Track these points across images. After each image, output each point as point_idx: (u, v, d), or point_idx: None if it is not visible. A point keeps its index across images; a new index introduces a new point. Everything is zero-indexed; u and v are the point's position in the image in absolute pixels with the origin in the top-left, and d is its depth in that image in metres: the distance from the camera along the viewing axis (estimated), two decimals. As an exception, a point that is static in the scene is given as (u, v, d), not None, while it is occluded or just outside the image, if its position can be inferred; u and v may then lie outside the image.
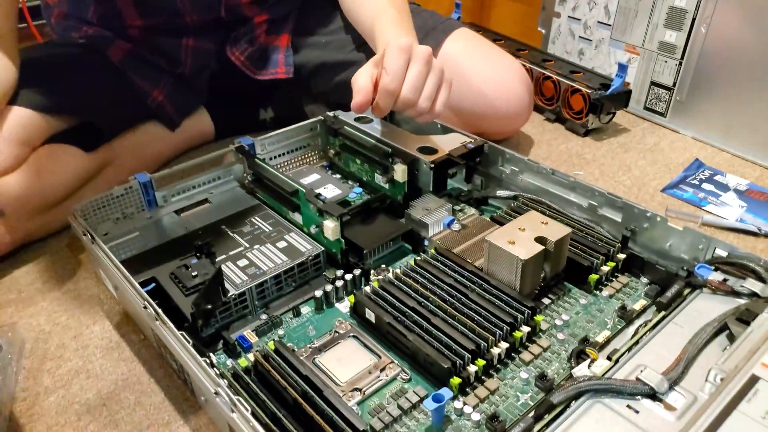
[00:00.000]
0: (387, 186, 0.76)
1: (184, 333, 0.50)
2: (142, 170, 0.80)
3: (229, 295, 0.58)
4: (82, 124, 0.77)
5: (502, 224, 0.65)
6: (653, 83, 1.03)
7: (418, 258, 0.64)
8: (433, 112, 0.66)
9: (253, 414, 0.43)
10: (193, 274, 0.59)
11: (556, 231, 0.58)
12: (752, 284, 0.53)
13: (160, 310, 0.52)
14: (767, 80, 0.87)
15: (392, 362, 0.55)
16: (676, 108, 1.00)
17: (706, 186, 0.84)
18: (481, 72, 0.88)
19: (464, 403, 0.50)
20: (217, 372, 0.47)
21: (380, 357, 0.55)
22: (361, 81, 0.65)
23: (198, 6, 0.86)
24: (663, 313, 0.53)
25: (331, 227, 0.63)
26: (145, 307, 0.54)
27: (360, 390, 0.52)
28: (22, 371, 0.58)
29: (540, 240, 0.57)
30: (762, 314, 0.49)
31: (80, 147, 0.76)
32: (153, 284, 0.60)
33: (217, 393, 0.45)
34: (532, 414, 0.44)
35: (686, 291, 0.56)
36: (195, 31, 0.88)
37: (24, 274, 0.71)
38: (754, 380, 0.41)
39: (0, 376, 0.55)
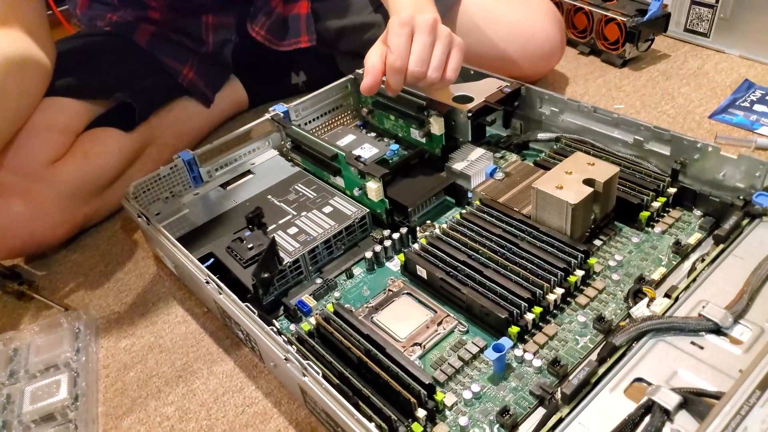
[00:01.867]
0: (424, 140, 0.75)
1: (248, 304, 0.52)
2: (183, 146, 0.82)
3: (284, 263, 0.59)
4: (119, 107, 0.79)
5: (546, 168, 0.65)
6: (694, 2, 0.97)
7: (464, 211, 0.64)
8: (444, 80, 0.65)
9: (324, 376, 0.45)
10: (249, 246, 0.61)
11: (603, 171, 0.57)
12: (814, 209, 0.51)
13: (222, 284, 0.54)
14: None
15: (448, 315, 0.56)
16: (720, 26, 0.95)
17: (758, 107, 0.81)
18: (508, 16, 0.86)
19: (524, 351, 0.51)
20: (284, 338, 0.49)
21: (436, 311, 0.56)
22: (371, 61, 0.65)
23: None
24: (722, 245, 0.52)
25: (374, 189, 0.64)
26: (207, 282, 0.56)
27: (420, 344, 0.53)
28: (101, 350, 0.61)
29: (588, 182, 0.57)
30: (826, 239, 0.48)
31: (120, 128, 0.78)
32: (212, 259, 0.62)
33: (287, 359, 0.47)
34: (594, 356, 0.45)
35: (744, 221, 0.54)
36: (214, 7, 0.88)
37: (87, 259, 0.74)
38: (821, 308, 0.41)
39: (83, 356, 0.58)
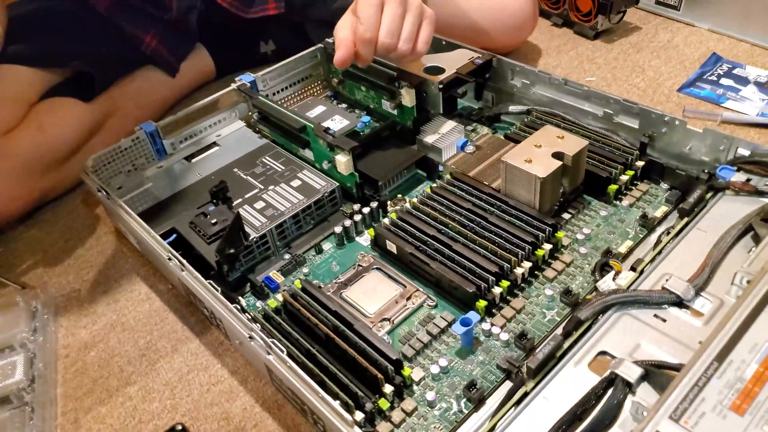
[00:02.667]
0: (395, 112, 0.74)
1: (211, 282, 0.51)
2: (146, 118, 0.79)
3: (250, 238, 0.58)
4: (77, 75, 0.76)
5: (517, 142, 0.64)
6: (665, -26, 0.97)
7: (434, 185, 0.63)
8: (416, 52, 0.63)
9: (289, 354, 0.44)
10: (213, 221, 0.60)
11: (572, 144, 0.57)
12: (776, 182, 0.52)
13: (185, 261, 0.53)
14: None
15: (417, 290, 0.55)
16: (690, -1, 0.95)
17: (724, 81, 0.81)
18: None
19: (492, 324, 0.51)
20: (249, 316, 0.48)
21: (405, 286, 0.56)
22: (341, 33, 0.63)
23: None
24: (686, 219, 0.52)
25: (343, 162, 0.63)
26: (170, 259, 0.55)
27: (389, 319, 0.53)
28: (60, 329, 0.60)
29: (557, 155, 0.56)
30: (787, 212, 0.48)
31: (79, 98, 0.75)
32: (174, 235, 0.60)
33: (251, 337, 0.46)
34: (560, 330, 0.45)
35: (708, 195, 0.55)
36: None
37: (45, 235, 0.72)
38: (781, 280, 0.41)
39: (41, 336, 0.56)
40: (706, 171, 0.57)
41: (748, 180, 0.54)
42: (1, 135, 0.67)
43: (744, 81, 0.81)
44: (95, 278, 0.65)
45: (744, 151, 0.56)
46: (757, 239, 0.48)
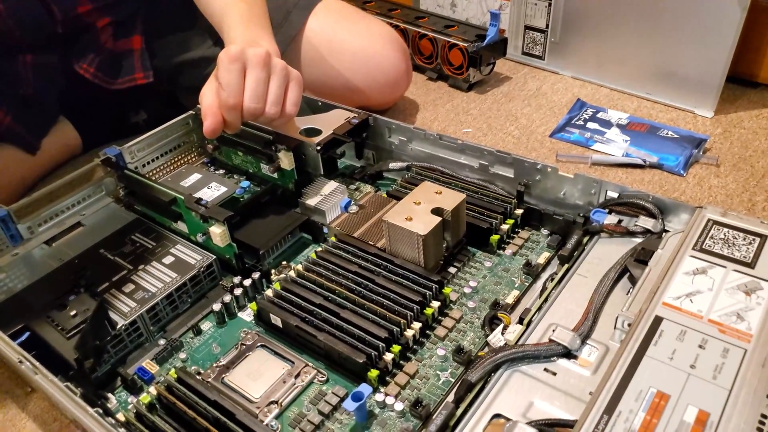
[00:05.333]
0: (276, 175, 0.71)
1: (68, 384, 0.45)
2: (4, 201, 0.72)
3: (118, 326, 0.53)
4: None
5: (398, 199, 0.63)
6: (527, 27, 1.03)
7: (319, 249, 0.61)
8: (285, 114, 0.62)
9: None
10: (72, 313, 0.53)
11: (450, 199, 0.57)
12: (645, 221, 0.54)
13: (37, 363, 0.47)
14: (630, 13, 0.89)
15: (307, 365, 0.52)
16: (553, 49, 1.01)
17: (590, 125, 0.86)
18: (351, 45, 0.85)
19: (386, 394, 0.48)
20: (113, 422, 0.42)
21: (293, 362, 0.52)
22: (206, 101, 0.61)
23: (26, 26, 0.76)
24: (566, 265, 0.53)
25: (218, 233, 0.59)
26: (20, 362, 0.48)
27: (276, 402, 0.49)
28: None
29: (436, 211, 0.56)
30: (657, 251, 0.50)
31: None
32: (27, 333, 0.53)
33: (115, 447, 0.41)
34: (452, 397, 0.43)
35: (585, 239, 0.56)
36: (31, 47, 0.79)
37: None
38: (658, 321, 0.42)
39: None
40: (581, 215, 0.59)
41: (620, 221, 0.56)
42: None
43: (608, 124, 0.86)
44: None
45: (613, 193, 0.58)
46: (633, 280, 0.49)
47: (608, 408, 0.36)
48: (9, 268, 0.63)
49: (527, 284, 0.57)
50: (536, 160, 0.61)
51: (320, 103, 0.77)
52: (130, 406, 0.50)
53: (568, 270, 0.52)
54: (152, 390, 0.49)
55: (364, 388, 0.46)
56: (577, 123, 0.87)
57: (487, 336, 0.50)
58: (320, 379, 0.51)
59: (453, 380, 0.49)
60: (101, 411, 0.43)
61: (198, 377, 0.50)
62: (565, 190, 0.61)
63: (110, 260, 0.62)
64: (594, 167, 0.78)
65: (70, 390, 0.44)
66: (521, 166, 0.62)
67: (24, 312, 0.56)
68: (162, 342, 0.55)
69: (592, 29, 0.94)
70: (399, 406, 0.47)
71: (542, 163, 0.61)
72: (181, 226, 0.65)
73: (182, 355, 0.54)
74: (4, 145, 0.79)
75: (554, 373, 0.43)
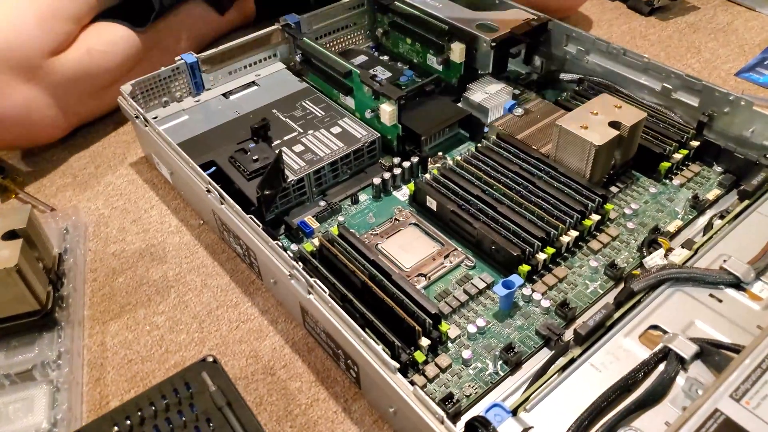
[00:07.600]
0: (441, 68, 0.72)
1: (252, 216, 0.50)
2: (185, 52, 0.77)
3: (288, 180, 0.57)
4: (130, 1, 0.73)
5: (567, 109, 0.62)
6: (728, -46, 0.93)
7: (479, 145, 0.61)
8: None
9: (330, 295, 0.43)
10: (254, 158, 0.58)
11: (630, 115, 0.55)
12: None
13: (225, 194, 0.52)
14: None
15: (456, 249, 0.54)
16: (752, -17, 0.91)
17: (783, 69, 0.78)
18: None
19: (533, 290, 0.49)
20: (290, 254, 0.47)
21: (443, 245, 0.54)
22: None
23: None
24: (746, 201, 0.50)
25: (388, 111, 0.61)
26: (208, 191, 0.53)
27: (425, 275, 0.52)
28: (89, 253, 0.59)
29: (614, 124, 0.54)
30: None
31: (130, 24, 0.72)
32: (213, 168, 0.59)
33: (291, 275, 0.45)
34: (611, 300, 0.43)
35: (770, 180, 0.53)
36: None
37: (76, 159, 0.70)
38: None
39: (71, 257, 0.55)
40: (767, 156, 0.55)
41: (812, 169, 0.52)
42: (50, 55, 0.65)
43: (804, 71, 0.78)
44: (124, 206, 0.64)
45: (808, 140, 0.54)
46: (820, 229, 0.46)
47: (784, 341, 0.36)
48: (191, 112, 0.68)
49: (691, 217, 0.55)
50: (729, 91, 0.57)
51: (497, 1, 0.75)
52: (294, 251, 0.54)
53: (747, 206, 0.50)
54: (315, 241, 0.54)
55: (516, 278, 0.48)
56: (769, 65, 0.79)
57: (644, 258, 0.50)
58: (468, 264, 0.53)
59: (602, 292, 0.49)
60: (280, 244, 0.47)
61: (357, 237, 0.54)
62: (754, 128, 0.57)
63: (282, 121, 0.66)
64: (780, 115, 0.72)
65: (254, 221, 0.49)
66: (710, 94, 0.59)
67: (207, 151, 0.61)
68: (322, 203, 0.59)
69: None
70: (545, 303, 0.48)
71: (736, 95, 0.57)
72: (348, 102, 0.67)
73: (340, 218, 0.58)
74: (193, 2, 0.84)
75: (720, 300, 0.42)
